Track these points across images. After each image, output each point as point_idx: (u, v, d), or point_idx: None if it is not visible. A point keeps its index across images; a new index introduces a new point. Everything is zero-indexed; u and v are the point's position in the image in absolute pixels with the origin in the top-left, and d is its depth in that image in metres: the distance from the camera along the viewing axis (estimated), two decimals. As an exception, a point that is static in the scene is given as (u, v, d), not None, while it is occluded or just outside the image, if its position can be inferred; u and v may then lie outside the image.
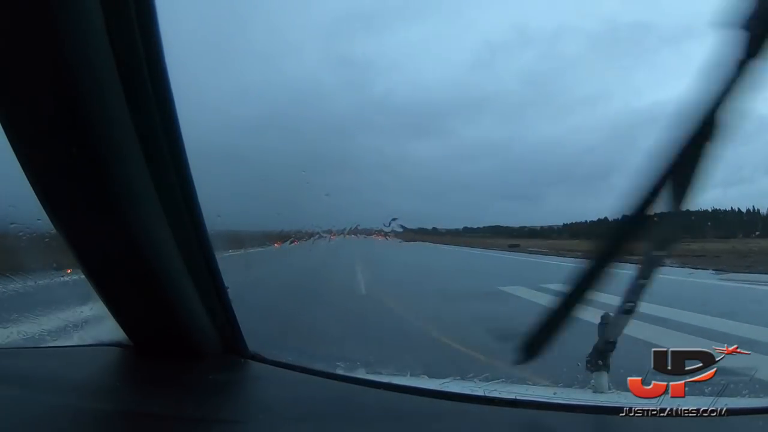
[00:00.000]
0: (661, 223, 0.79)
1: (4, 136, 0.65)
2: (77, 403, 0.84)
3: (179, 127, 0.79)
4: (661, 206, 0.75)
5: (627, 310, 0.93)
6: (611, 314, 0.98)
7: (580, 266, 0.81)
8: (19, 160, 0.67)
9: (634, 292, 0.90)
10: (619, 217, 0.78)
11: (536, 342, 0.86)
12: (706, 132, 0.69)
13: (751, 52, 0.63)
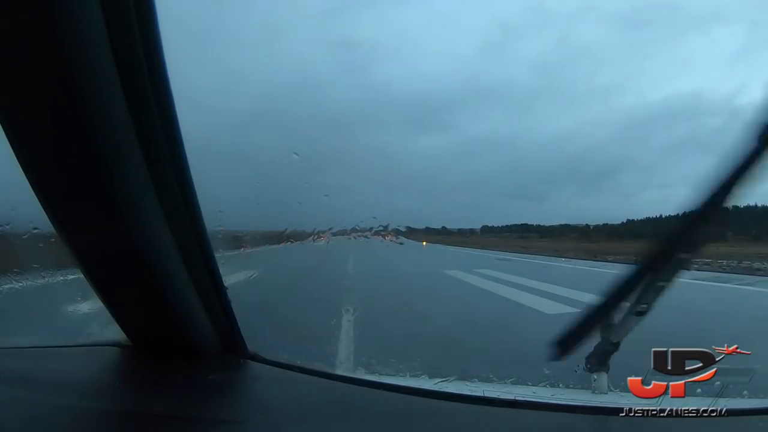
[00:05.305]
0: (694, 224, 0.76)
1: (4, 136, 0.65)
2: (77, 403, 0.85)
3: (179, 126, 0.79)
4: (699, 206, 0.72)
5: (639, 312, 0.87)
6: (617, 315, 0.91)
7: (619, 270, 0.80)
8: (18, 160, 0.67)
9: (651, 294, 0.84)
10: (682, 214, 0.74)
11: (570, 341, 0.86)
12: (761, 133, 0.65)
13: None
